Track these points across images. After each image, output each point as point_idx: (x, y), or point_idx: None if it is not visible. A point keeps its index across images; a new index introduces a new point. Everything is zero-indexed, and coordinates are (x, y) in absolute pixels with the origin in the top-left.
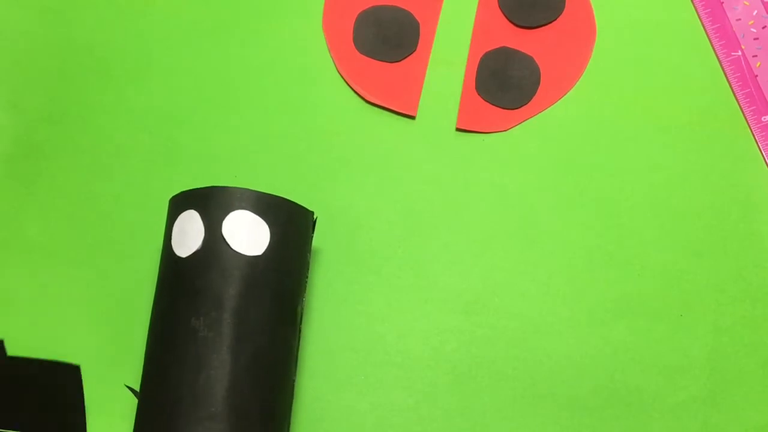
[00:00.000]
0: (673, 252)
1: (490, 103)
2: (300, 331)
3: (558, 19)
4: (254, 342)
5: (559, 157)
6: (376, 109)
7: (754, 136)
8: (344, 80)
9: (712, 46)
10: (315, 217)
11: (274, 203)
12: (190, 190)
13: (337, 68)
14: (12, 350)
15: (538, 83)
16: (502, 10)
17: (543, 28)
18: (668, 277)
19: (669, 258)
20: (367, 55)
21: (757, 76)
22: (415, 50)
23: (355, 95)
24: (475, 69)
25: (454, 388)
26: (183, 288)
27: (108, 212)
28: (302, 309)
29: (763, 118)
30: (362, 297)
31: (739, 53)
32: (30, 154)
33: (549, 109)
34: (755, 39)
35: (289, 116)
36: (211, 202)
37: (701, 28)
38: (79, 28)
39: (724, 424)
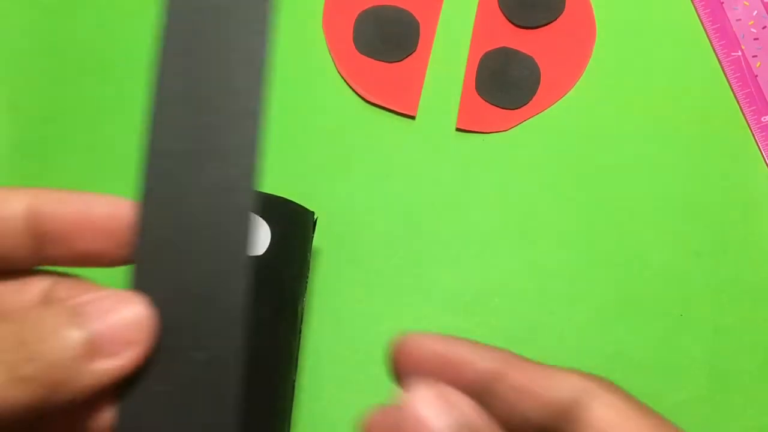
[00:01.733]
0: (673, 252)
1: (490, 103)
2: (300, 331)
3: (558, 19)
4: (254, 342)
5: (559, 157)
6: (376, 109)
7: (754, 136)
8: (344, 80)
9: (712, 46)
10: (315, 217)
11: (274, 203)
12: None
13: (337, 68)
14: None
15: (538, 83)
16: (502, 10)
17: (543, 28)
18: (668, 277)
19: (669, 258)
20: (367, 55)
21: (757, 76)
22: (415, 50)
23: (355, 95)
24: (475, 69)
25: None
26: None
27: None
28: (302, 309)
29: (763, 118)
30: (362, 297)
31: (739, 53)
32: (30, 154)
33: (549, 109)
34: (755, 39)
35: (289, 116)
36: None
37: (701, 28)
38: (79, 28)
39: (724, 424)
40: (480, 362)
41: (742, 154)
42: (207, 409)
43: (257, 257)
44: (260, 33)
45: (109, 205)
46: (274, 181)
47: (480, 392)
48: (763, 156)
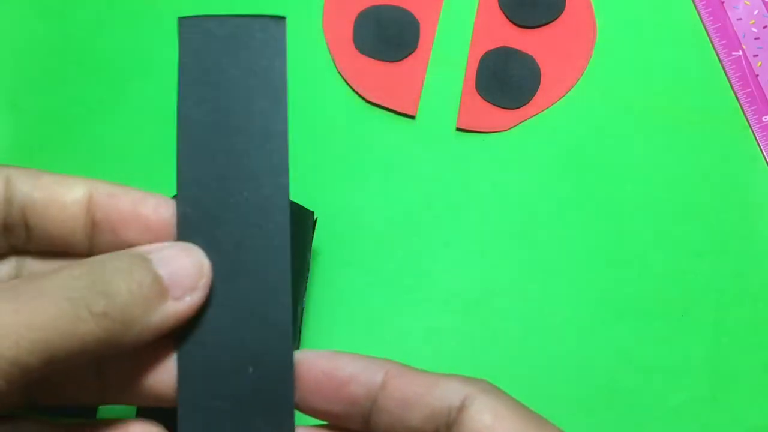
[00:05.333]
0: (673, 252)
1: (490, 103)
2: (300, 331)
3: (558, 18)
4: None
5: (559, 157)
6: (376, 109)
7: (754, 136)
8: (344, 80)
9: (712, 45)
10: (315, 217)
11: None
12: None
13: (337, 68)
14: None
15: (538, 83)
16: (502, 10)
17: (543, 27)
18: (668, 277)
19: (669, 258)
20: (367, 55)
21: (758, 75)
22: (415, 50)
23: (355, 95)
24: (475, 69)
25: None
26: None
27: None
28: (302, 309)
29: (764, 118)
30: (362, 297)
31: (740, 53)
32: (30, 154)
33: (549, 109)
34: (756, 39)
35: (289, 116)
36: None
37: (702, 27)
38: (79, 28)
39: (724, 425)
40: (364, 376)
41: (743, 154)
42: (258, 346)
43: None
44: (277, 56)
45: (157, 204)
46: None
47: (369, 406)
48: (763, 156)
